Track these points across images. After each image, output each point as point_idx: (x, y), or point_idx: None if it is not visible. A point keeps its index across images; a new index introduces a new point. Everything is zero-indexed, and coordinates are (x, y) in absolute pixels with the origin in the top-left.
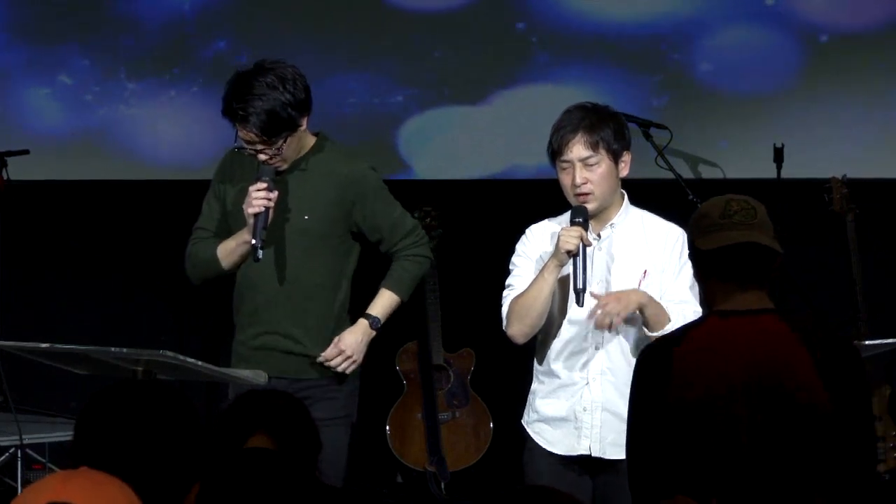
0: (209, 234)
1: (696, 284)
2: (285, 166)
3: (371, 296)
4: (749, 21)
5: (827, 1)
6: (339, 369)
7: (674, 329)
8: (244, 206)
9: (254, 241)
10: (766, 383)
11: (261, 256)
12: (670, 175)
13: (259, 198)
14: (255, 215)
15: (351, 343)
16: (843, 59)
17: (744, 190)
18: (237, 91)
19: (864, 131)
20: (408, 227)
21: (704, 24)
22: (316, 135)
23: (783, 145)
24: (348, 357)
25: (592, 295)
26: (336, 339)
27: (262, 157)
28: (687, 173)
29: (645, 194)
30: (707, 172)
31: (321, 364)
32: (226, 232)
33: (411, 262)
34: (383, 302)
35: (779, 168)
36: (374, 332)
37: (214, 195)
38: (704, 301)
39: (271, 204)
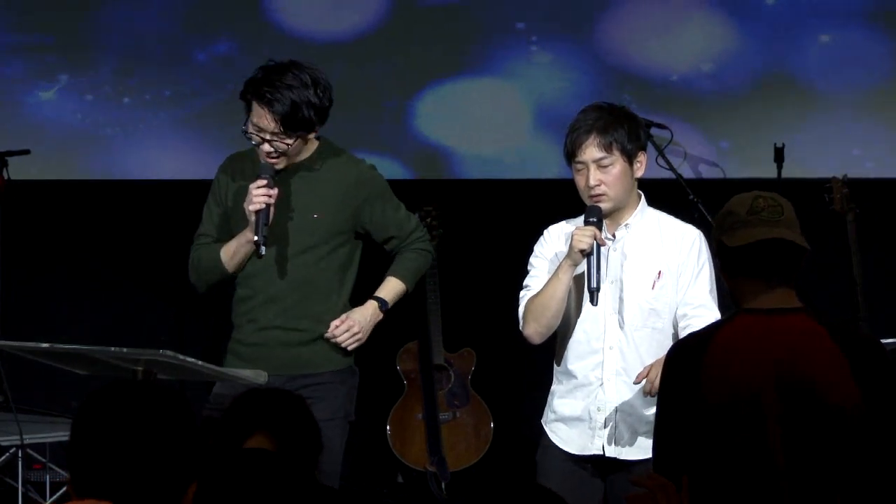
0: (211, 240)
1: (714, 288)
2: (282, 165)
3: (370, 293)
4: (749, 21)
5: (827, 0)
6: (344, 344)
7: (703, 327)
8: (245, 204)
9: (256, 238)
10: (796, 382)
11: (263, 253)
12: (671, 174)
13: (260, 194)
14: (257, 212)
15: (359, 319)
16: (843, 58)
17: (744, 190)
18: (269, 75)
19: (864, 131)
20: (413, 223)
21: (705, 24)
22: (318, 139)
23: (783, 145)
24: (355, 333)
25: (639, 379)
26: (344, 314)
27: (266, 147)
28: (687, 173)
29: (645, 193)
30: (707, 172)
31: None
32: (228, 236)
33: (417, 254)
34: (390, 287)
35: (779, 168)
36: (381, 315)
37: (214, 200)
38: (731, 298)
39: (272, 201)
